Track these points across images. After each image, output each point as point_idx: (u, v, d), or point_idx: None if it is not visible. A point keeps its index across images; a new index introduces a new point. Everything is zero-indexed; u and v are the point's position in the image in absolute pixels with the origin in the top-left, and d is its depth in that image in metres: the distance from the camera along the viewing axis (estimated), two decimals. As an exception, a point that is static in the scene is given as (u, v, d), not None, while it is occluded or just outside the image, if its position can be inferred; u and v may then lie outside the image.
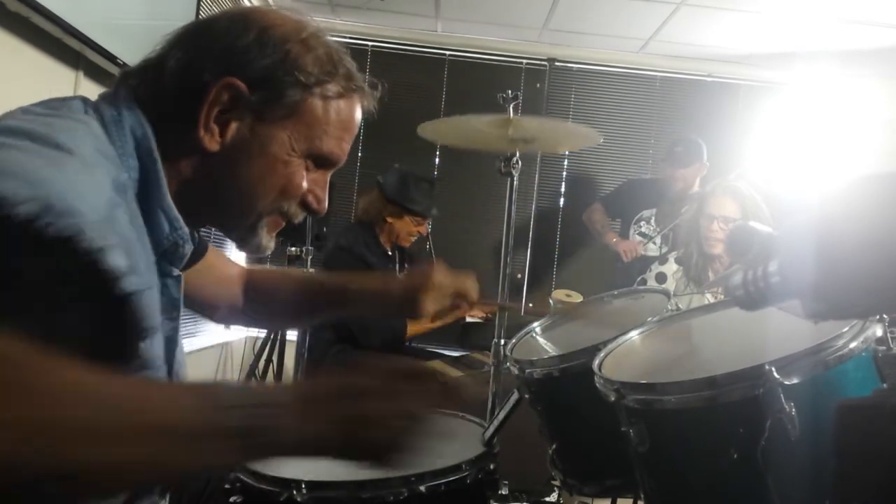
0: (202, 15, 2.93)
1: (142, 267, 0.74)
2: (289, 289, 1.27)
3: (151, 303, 0.76)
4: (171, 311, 0.87)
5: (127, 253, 0.70)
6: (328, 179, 0.94)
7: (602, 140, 1.74)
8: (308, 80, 0.86)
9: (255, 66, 0.84)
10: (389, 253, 3.15)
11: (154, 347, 0.78)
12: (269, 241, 0.94)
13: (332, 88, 0.88)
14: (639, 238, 3.72)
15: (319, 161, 0.91)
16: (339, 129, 0.90)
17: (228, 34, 0.85)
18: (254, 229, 0.92)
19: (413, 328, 3.05)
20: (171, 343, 0.88)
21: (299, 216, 0.94)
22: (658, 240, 3.64)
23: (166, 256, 0.84)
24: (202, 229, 1.02)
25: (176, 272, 0.87)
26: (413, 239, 3.21)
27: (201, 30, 0.88)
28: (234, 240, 0.95)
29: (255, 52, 0.84)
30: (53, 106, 0.79)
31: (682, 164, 3.54)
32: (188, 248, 0.87)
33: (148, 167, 0.81)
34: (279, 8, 0.95)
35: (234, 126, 0.85)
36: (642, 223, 3.75)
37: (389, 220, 3.06)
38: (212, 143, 0.84)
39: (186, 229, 0.85)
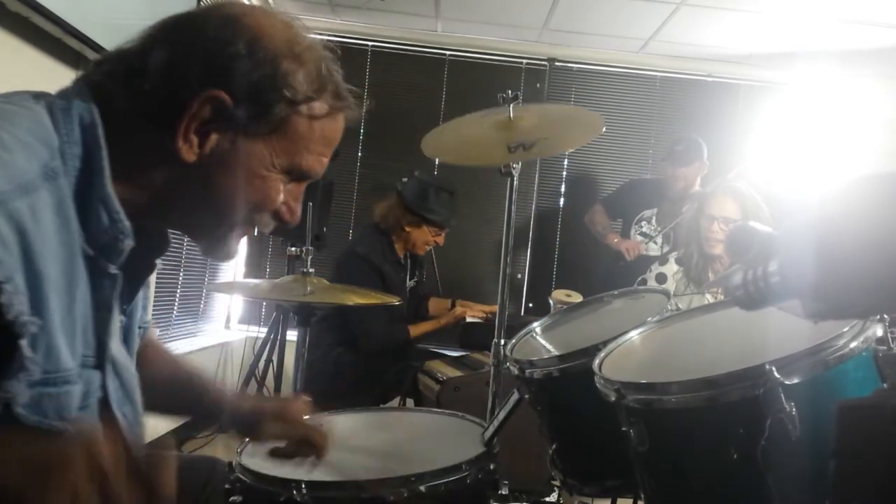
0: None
1: (42, 258, 0.70)
2: (160, 373, 1.19)
3: (40, 293, 0.70)
4: (102, 310, 0.82)
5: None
6: (303, 190, 0.93)
7: (605, 129, 1.73)
8: (296, 97, 0.83)
9: (244, 79, 0.81)
10: (402, 261, 3.16)
11: (44, 346, 0.72)
12: (235, 249, 0.92)
13: (319, 106, 0.86)
14: (640, 238, 3.73)
15: (297, 175, 0.89)
16: (321, 146, 0.89)
17: (217, 39, 0.81)
18: (223, 239, 0.90)
19: (416, 331, 3.06)
20: (103, 345, 0.83)
21: (270, 226, 0.92)
22: (659, 239, 3.65)
23: (104, 252, 0.80)
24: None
25: (113, 269, 0.81)
26: (428, 248, 3.21)
27: (188, 27, 0.84)
28: (201, 246, 0.93)
29: (244, 64, 0.81)
30: (7, 95, 0.78)
31: (683, 163, 3.54)
32: (127, 244, 0.81)
33: (92, 156, 0.78)
34: (277, 9, 0.93)
35: (214, 138, 0.82)
36: (643, 223, 3.75)
37: (408, 228, 3.07)
38: (189, 153, 0.82)
39: (127, 223, 0.80)
